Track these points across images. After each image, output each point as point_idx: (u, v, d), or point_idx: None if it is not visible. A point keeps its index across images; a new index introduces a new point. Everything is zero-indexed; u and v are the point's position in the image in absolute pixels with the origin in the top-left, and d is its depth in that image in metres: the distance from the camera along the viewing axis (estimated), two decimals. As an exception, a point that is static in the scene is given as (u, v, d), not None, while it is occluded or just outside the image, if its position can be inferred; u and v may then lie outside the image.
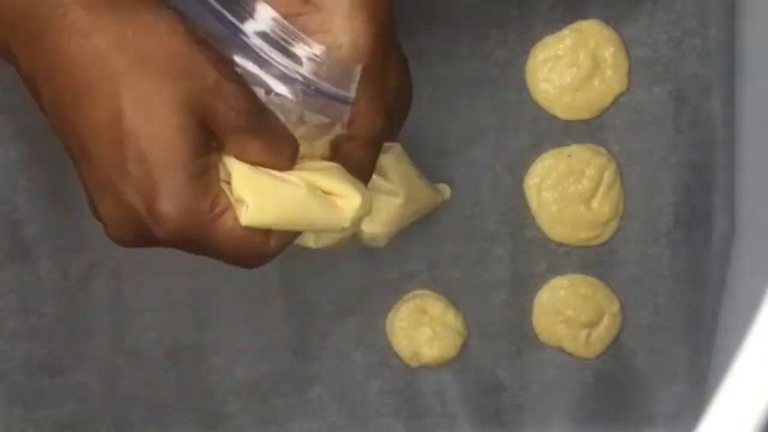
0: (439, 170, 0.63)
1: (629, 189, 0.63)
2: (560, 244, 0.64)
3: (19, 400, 0.65)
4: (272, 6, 0.46)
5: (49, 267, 0.64)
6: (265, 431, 0.66)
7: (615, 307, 0.64)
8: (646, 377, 0.65)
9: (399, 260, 0.64)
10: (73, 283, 0.64)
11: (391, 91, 0.49)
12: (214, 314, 0.65)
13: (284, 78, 0.46)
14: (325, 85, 0.46)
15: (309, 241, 0.53)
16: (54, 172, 0.63)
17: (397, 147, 0.57)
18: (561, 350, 0.64)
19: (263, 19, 0.46)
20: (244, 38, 0.45)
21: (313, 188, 0.46)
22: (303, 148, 0.48)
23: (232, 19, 0.45)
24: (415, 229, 0.61)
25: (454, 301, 0.64)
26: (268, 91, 0.46)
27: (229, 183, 0.46)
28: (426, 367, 0.65)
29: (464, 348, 0.65)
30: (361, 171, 0.49)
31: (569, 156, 0.63)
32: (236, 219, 0.45)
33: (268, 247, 0.47)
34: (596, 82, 0.62)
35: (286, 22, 0.46)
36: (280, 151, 0.46)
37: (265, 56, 0.45)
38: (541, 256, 0.64)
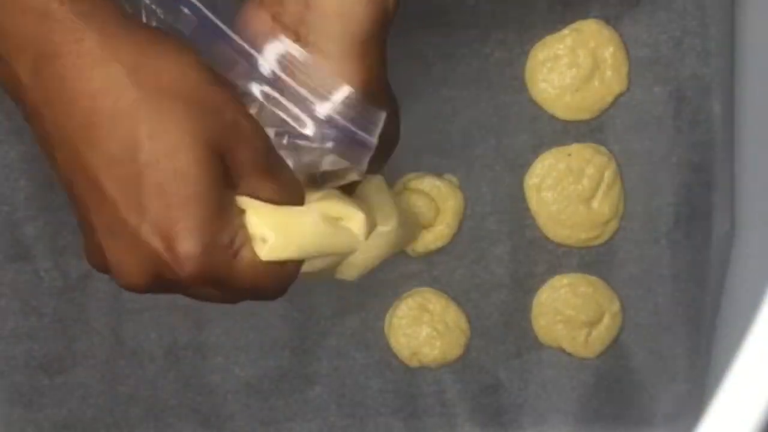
0: (439, 170, 0.63)
1: (629, 189, 0.63)
2: (560, 245, 0.64)
3: (19, 400, 0.65)
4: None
5: (49, 267, 0.64)
6: (265, 431, 0.66)
7: (615, 306, 0.64)
8: (646, 377, 0.65)
9: (399, 260, 0.64)
10: (73, 283, 0.64)
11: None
12: (214, 314, 0.65)
13: (308, 117, 0.44)
14: (352, 128, 0.45)
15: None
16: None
17: (378, 178, 0.56)
18: (561, 350, 0.64)
19: (273, 53, 0.44)
20: (263, 71, 0.44)
21: (325, 217, 0.46)
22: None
23: (251, 51, 0.44)
24: (415, 229, 0.62)
25: (455, 299, 0.64)
26: (280, 133, 0.45)
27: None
28: (426, 367, 0.65)
29: (465, 347, 0.65)
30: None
31: (569, 155, 0.63)
32: (254, 253, 0.44)
33: (288, 273, 0.46)
34: (596, 83, 0.62)
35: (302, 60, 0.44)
36: (290, 193, 0.46)
37: (287, 95, 0.44)
38: (541, 256, 0.64)
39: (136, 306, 0.65)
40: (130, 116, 0.41)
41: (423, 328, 0.64)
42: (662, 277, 0.64)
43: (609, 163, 0.63)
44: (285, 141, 0.45)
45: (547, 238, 0.64)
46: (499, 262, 0.64)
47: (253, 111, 0.45)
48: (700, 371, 0.64)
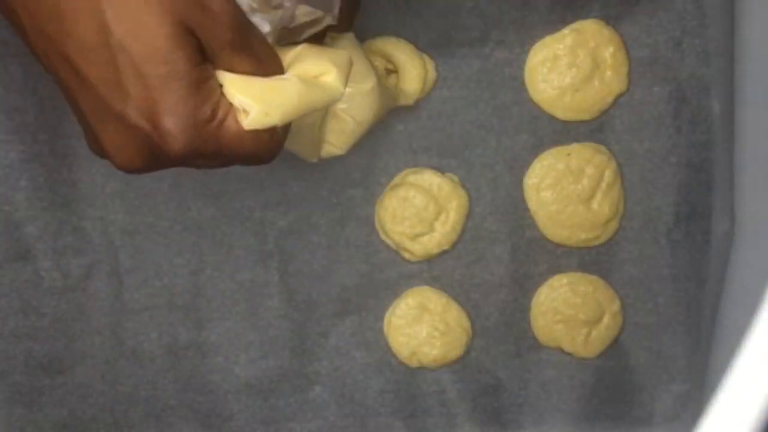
0: (439, 170, 0.63)
1: (629, 189, 0.63)
2: (560, 245, 0.64)
3: (19, 400, 0.65)
4: None
5: (49, 267, 0.64)
6: (265, 431, 0.66)
7: (615, 305, 0.64)
8: (645, 377, 0.65)
9: (399, 260, 0.64)
10: (73, 283, 0.64)
11: None
12: (214, 314, 0.65)
13: None
14: None
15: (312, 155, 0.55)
16: (54, 172, 0.63)
17: (349, 35, 0.56)
18: (560, 350, 0.64)
19: None
20: None
21: (303, 79, 0.47)
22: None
23: None
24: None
25: (455, 299, 0.64)
26: None
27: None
28: (426, 367, 0.65)
29: (466, 347, 0.65)
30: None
31: (569, 155, 0.63)
32: (239, 122, 0.45)
33: (277, 136, 0.47)
34: (596, 83, 0.62)
35: None
36: (267, 65, 0.46)
37: None
38: (541, 256, 0.64)
39: (136, 306, 0.65)
40: (93, 2, 0.42)
41: (423, 328, 0.64)
42: (662, 276, 0.64)
43: (609, 163, 0.63)
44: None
45: (546, 238, 0.64)
46: (499, 262, 0.64)
47: None
48: (700, 371, 0.64)
